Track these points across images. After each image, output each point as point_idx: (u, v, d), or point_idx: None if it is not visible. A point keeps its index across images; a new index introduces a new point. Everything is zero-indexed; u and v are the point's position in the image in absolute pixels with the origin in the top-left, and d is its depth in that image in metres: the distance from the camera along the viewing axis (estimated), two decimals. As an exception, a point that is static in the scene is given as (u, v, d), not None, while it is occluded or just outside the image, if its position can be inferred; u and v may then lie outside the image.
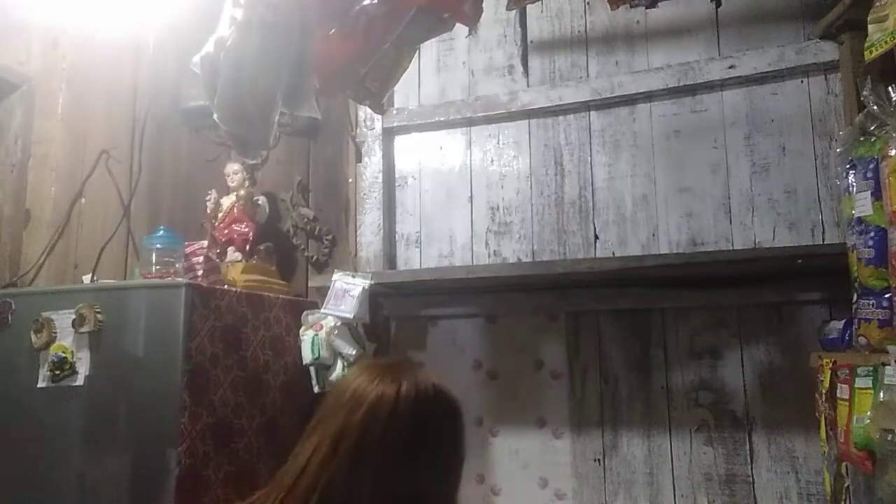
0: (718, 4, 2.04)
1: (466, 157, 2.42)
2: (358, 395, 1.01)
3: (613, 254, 2.19)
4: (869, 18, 1.48)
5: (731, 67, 2.10)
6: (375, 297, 2.29)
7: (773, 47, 2.07)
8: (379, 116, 2.45)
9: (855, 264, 1.51)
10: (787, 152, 2.06)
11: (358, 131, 2.50)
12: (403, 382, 1.02)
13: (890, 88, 1.45)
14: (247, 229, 2.35)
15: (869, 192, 1.46)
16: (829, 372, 1.55)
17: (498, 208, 2.36)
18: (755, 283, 2.00)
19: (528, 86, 2.36)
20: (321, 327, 2.15)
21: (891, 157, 1.38)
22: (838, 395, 1.50)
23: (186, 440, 1.73)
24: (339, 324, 2.16)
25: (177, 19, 2.44)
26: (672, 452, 2.06)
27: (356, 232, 2.46)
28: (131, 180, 2.48)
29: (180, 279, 1.92)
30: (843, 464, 1.55)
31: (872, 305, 1.44)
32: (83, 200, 2.31)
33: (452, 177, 2.43)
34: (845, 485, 1.55)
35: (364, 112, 2.48)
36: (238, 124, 1.47)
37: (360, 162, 2.49)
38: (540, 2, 2.14)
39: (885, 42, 1.42)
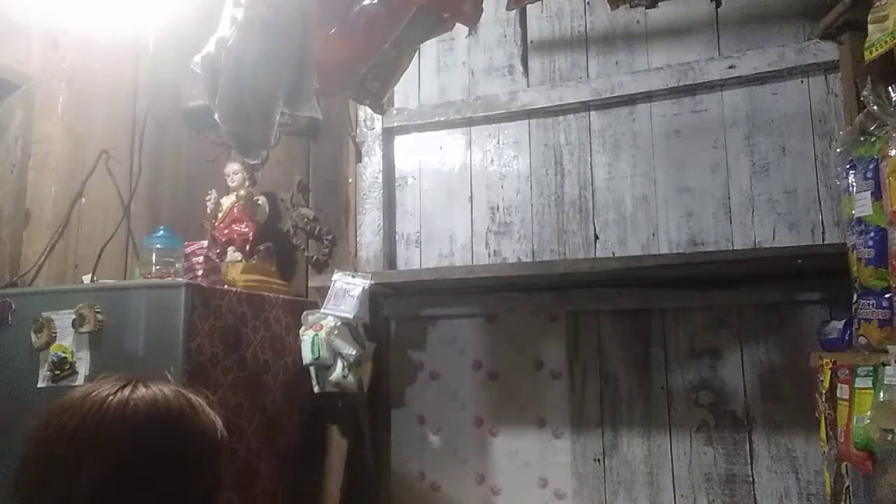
0: (718, 4, 2.04)
1: (466, 157, 2.42)
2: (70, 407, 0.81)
3: (613, 254, 2.19)
4: (869, 18, 1.48)
5: (731, 67, 2.10)
6: (375, 297, 2.29)
7: (773, 47, 2.07)
8: (379, 116, 2.45)
9: (855, 264, 1.51)
10: (787, 152, 2.06)
11: (358, 131, 2.50)
12: (123, 389, 0.82)
13: (890, 88, 1.45)
14: (247, 229, 2.35)
15: (869, 192, 1.46)
16: (829, 372, 1.55)
17: (498, 208, 2.36)
18: (755, 283, 2.00)
19: (528, 86, 2.36)
20: (321, 327, 2.15)
21: (891, 157, 1.38)
22: (838, 395, 1.50)
23: (186, 440, 1.73)
24: (339, 324, 2.16)
25: (177, 19, 2.44)
26: (672, 452, 2.06)
27: (356, 232, 2.46)
28: (131, 180, 2.48)
29: (180, 279, 1.91)
30: (843, 464, 1.55)
31: (872, 305, 1.44)
32: (83, 200, 2.31)
33: (452, 177, 2.43)
34: (845, 485, 1.56)
35: (364, 112, 2.48)
36: (239, 124, 1.47)
37: (360, 162, 2.48)
38: (540, 2, 2.14)
39: (885, 42, 1.42)
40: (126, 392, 0.83)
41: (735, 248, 2.06)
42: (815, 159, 2.03)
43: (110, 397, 0.82)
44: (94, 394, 0.83)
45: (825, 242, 1.97)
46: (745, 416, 2.00)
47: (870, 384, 1.38)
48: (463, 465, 2.26)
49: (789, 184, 2.05)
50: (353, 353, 2.15)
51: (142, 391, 0.84)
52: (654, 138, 2.20)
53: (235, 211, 2.36)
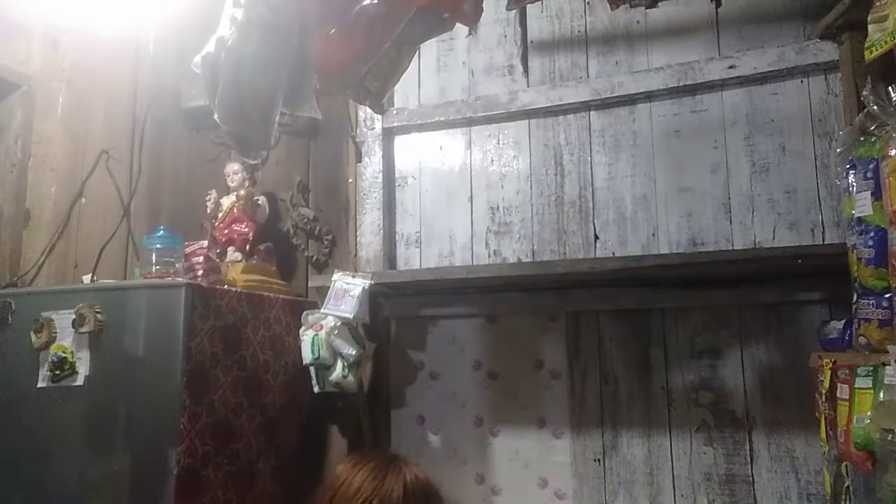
0: (718, 4, 2.03)
1: (466, 157, 2.42)
2: (364, 494, 1.11)
3: (613, 254, 2.19)
4: (869, 18, 1.48)
5: (731, 67, 2.10)
6: (375, 297, 2.29)
7: (773, 47, 2.07)
8: (379, 116, 2.45)
9: (855, 264, 1.51)
10: (787, 152, 2.06)
11: (358, 131, 2.50)
12: (406, 477, 1.14)
13: (890, 88, 1.45)
14: (247, 229, 2.35)
15: (869, 192, 1.46)
16: (829, 372, 1.55)
17: (498, 208, 2.36)
18: (755, 283, 2.00)
19: (528, 86, 2.36)
20: (321, 327, 2.15)
21: (891, 157, 1.38)
22: (838, 395, 1.50)
23: (186, 440, 1.73)
24: (339, 324, 2.15)
25: (177, 19, 2.44)
26: (672, 452, 2.06)
27: (356, 232, 2.46)
28: (131, 180, 2.48)
29: (180, 279, 1.92)
30: (843, 464, 1.55)
31: (872, 305, 1.44)
32: (83, 200, 2.32)
33: (452, 177, 2.43)
34: (845, 485, 1.55)
35: (364, 112, 2.48)
36: (239, 124, 1.47)
37: (360, 162, 2.49)
38: (540, 2, 2.14)
39: (885, 42, 1.42)
40: (403, 481, 1.15)
41: (735, 248, 2.06)
42: (815, 159, 2.03)
43: (397, 485, 1.15)
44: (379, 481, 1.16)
45: (825, 242, 1.97)
46: (745, 416, 2.00)
47: (870, 384, 1.38)
48: (463, 465, 2.26)
49: (789, 184, 2.05)
50: (353, 353, 2.15)
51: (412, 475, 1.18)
52: (654, 138, 2.20)
53: (235, 211, 2.36)
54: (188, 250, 2.10)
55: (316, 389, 2.17)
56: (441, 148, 2.46)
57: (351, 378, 2.16)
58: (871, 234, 1.45)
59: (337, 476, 1.16)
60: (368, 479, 1.11)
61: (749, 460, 1.99)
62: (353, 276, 2.20)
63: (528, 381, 2.23)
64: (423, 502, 1.14)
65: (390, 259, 2.44)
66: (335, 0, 1.55)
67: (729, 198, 2.10)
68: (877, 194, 1.44)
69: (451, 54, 2.48)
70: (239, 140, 1.53)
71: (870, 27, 1.47)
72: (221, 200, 2.41)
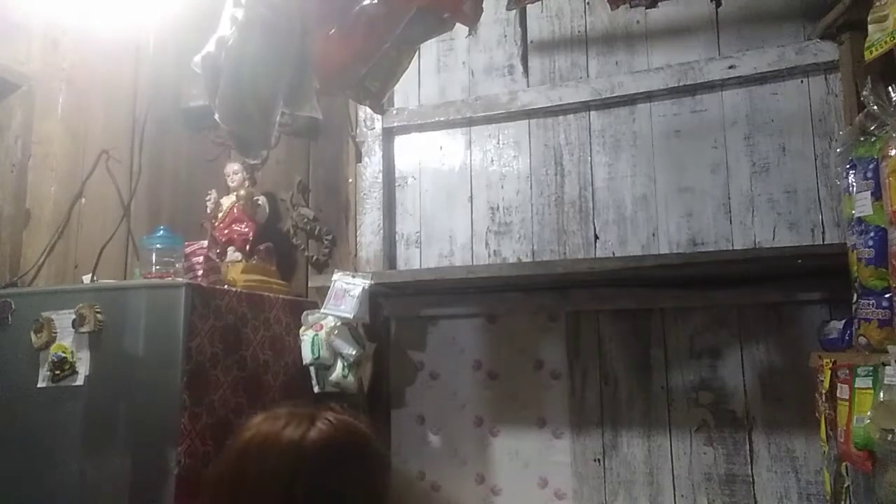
0: (718, 4, 2.04)
1: (466, 157, 2.42)
2: (265, 443, 0.99)
3: (613, 254, 2.19)
4: (869, 18, 1.48)
5: (731, 67, 2.10)
6: (375, 297, 2.29)
7: (773, 47, 2.07)
8: (379, 116, 2.45)
9: (855, 264, 1.51)
10: (787, 152, 2.06)
11: (358, 131, 2.50)
12: (310, 427, 1.00)
13: (890, 88, 1.45)
14: (247, 229, 2.35)
15: (869, 192, 1.46)
16: (829, 372, 1.55)
17: (498, 208, 2.36)
18: (755, 283, 2.00)
19: (528, 86, 2.36)
20: (321, 327, 2.16)
21: (891, 157, 1.38)
22: (838, 395, 1.50)
23: (186, 440, 1.73)
24: (339, 324, 2.16)
25: (177, 19, 2.44)
26: (672, 452, 2.06)
27: (356, 232, 2.46)
28: (131, 180, 2.48)
29: (180, 279, 1.92)
30: (843, 464, 1.55)
31: (872, 305, 1.44)
32: (83, 200, 2.32)
33: (452, 177, 2.43)
34: (845, 485, 1.55)
35: (364, 112, 2.48)
36: (239, 124, 1.47)
37: (360, 162, 2.48)
38: (540, 2, 2.14)
39: (885, 42, 1.42)
40: (314, 431, 1.00)
41: (735, 248, 2.06)
42: (815, 159, 2.03)
43: (302, 436, 0.98)
44: (286, 431, 0.99)
45: (825, 242, 1.97)
46: (745, 416, 2.00)
47: (870, 384, 1.38)
48: (463, 465, 2.26)
49: (789, 184, 2.05)
50: (353, 353, 2.15)
51: (323, 426, 1.01)
52: (654, 138, 2.20)
53: (235, 211, 2.36)
54: (188, 250, 2.10)
55: (316, 389, 2.17)
56: (441, 148, 2.46)
57: (351, 378, 2.16)
58: (871, 234, 1.45)
59: (252, 431, 1.02)
60: (288, 433, 0.99)
61: (749, 460, 1.99)
62: (353, 276, 2.20)
63: (528, 381, 2.23)
64: (343, 449, 1.01)
65: (390, 259, 2.44)
66: (335, 0, 1.55)
67: (729, 198, 2.10)
68: (877, 194, 1.44)
69: (451, 54, 2.48)
70: (239, 140, 1.53)
71: (870, 27, 1.47)
72: (221, 200, 2.41)
